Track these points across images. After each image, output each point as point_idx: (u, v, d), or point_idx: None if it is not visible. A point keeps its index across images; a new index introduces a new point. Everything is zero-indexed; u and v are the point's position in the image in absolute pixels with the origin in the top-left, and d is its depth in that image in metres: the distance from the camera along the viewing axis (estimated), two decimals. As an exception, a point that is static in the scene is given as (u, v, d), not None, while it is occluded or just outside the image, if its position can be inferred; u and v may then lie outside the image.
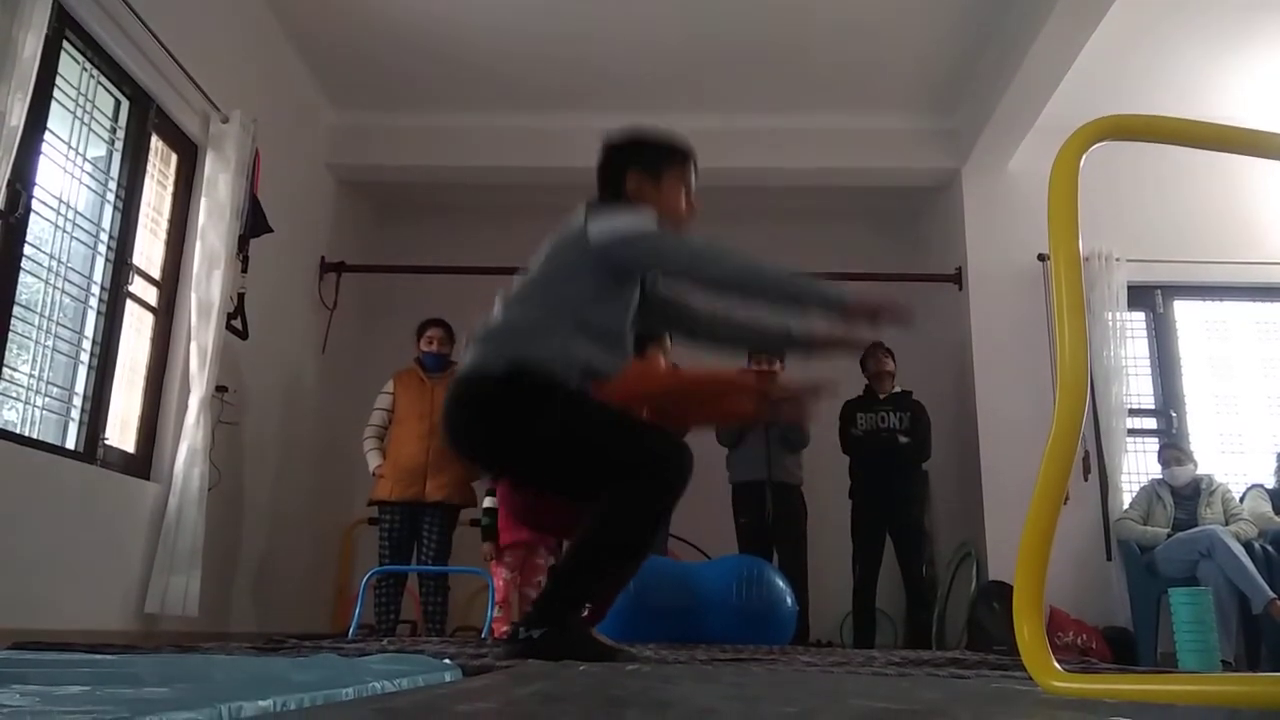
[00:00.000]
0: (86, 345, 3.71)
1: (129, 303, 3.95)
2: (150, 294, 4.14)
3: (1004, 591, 4.79)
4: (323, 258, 5.84)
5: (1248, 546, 4.52)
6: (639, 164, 2.33)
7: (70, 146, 3.59)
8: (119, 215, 3.89)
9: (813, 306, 2.14)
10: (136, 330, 4.07)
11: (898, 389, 5.24)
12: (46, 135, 3.39)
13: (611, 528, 2.04)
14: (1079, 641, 4.74)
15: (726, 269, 2.15)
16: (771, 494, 4.81)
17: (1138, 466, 5.42)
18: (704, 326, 2.52)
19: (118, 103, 3.95)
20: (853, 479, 5.19)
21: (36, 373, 3.45)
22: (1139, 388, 5.58)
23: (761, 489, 4.82)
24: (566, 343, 2.11)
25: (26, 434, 3.37)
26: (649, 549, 2.17)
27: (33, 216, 3.33)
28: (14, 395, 3.35)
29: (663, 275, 2.31)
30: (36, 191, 3.33)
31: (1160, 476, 5.05)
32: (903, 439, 5.08)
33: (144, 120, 4.04)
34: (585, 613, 2.70)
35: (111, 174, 3.88)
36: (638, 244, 2.15)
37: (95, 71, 3.74)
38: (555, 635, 1.99)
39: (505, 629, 3.70)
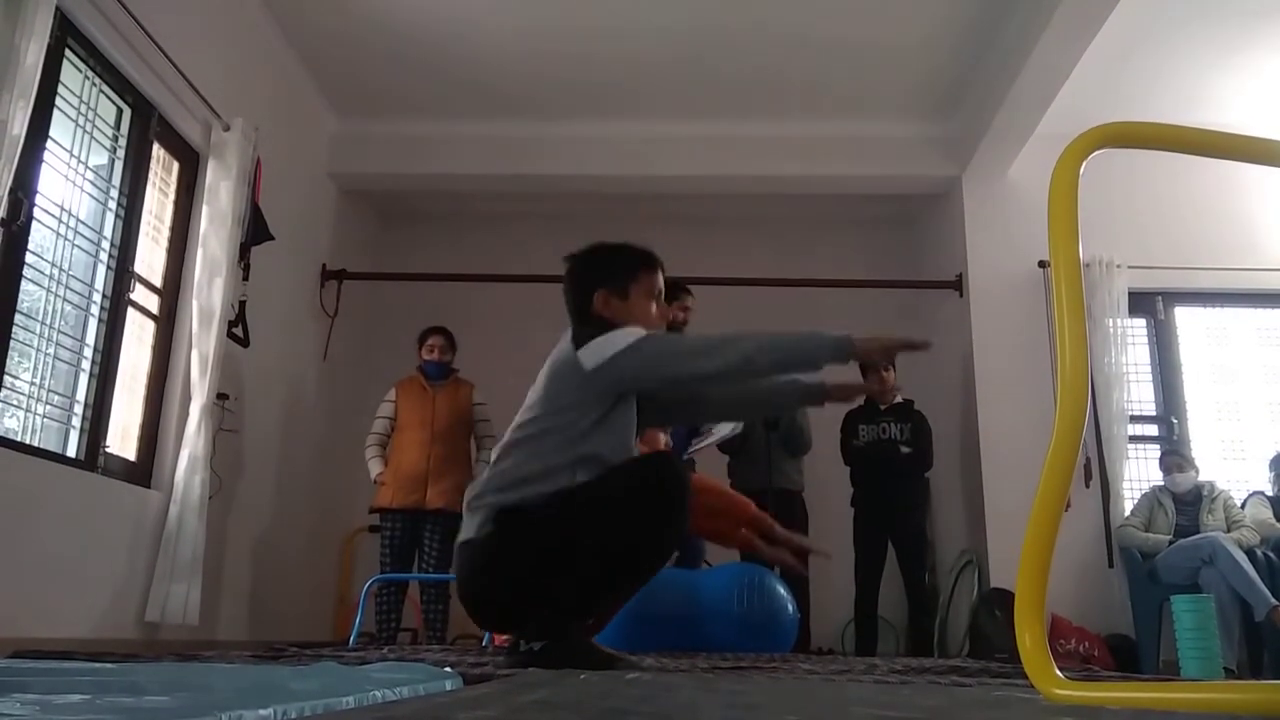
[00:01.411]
0: (88, 353, 3.71)
1: (130, 310, 3.95)
2: (151, 302, 4.14)
3: (1005, 599, 4.78)
4: (324, 265, 5.85)
5: (1250, 553, 4.52)
6: (604, 282, 2.29)
7: (72, 154, 3.59)
8: (120, 223, 3.90)
9: (823, 363, 2.10)
10: (138, 338, 4.07)
11: (899, 399, 5.23)
12: (48, 143, 3.40)
13: (614, 545, 2.04)
14: (1081, 649, 4.73)
15: (725, 361, 2.09)
16: (773, 501, 4.80)
17: (1139, 473, 5.42)
18: (714, 406, 2.53)
19: (119, 111, 3.96)
20: (854, 488, 5.18)
21: (38, 381, 3.45)
22: (1140, 394, 5.57)
23: (763, 496, 4.81)
24: (564, 484, 2.08)
25: (28, 442, 3.37)
26: (655, 565, 2.16)
27: (34, 224, 3.33)
28: (15, 403, 3.35)
29: (664, 384, 2.25)
30: (38, 199, 3.33)
31: (1162, 483, 5.04)
32: (904, 449, 5.07)
33: (146, 128, 4.05)
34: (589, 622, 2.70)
35: (113, 182, 3.89)
36: (633, 359, 2.09)
37: (97, 79, 3.75)
38: (557, 646, 1.99)
39: (505, 639, 3.70)
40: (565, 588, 2.05)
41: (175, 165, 4.34)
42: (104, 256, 3.81)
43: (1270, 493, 4.98)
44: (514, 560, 2.07)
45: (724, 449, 5.02)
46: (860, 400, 5.26)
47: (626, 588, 2.19)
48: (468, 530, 2.16)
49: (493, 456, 2.24)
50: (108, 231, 3.84)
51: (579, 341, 2.15)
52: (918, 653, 4.88)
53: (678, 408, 2.50)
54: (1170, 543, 4.78)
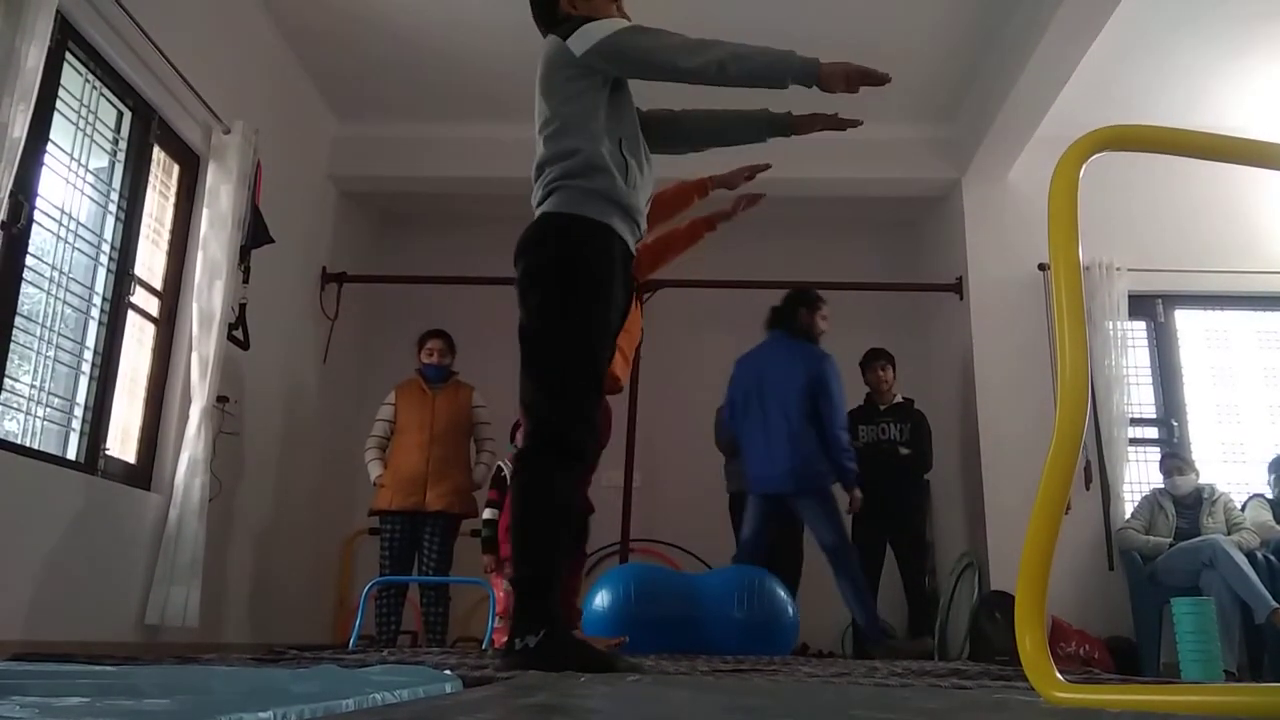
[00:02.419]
0: (88, 356, 3.71)
1: (130, 313, 3.96)
2: (152, 304, 4.15)
3: (1006, 601, 4.78)
4: (324, 268, 5.85)
5: (1250, 556, 4.51)
6: None
7: (72, 157, 3.60)
8: (121, 226, 3.90)
9: (788, 80, 2.26)
10: (138, 341, 4.07)
11: (898, 398, 5.23)
12: (49, 146, 3.40)
13: (528, 504, 2.12)
14: (1081, 652, 4.73)
15: (705, 58, 2.24)
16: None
17: (1139, 476, 5.42)
18: (685, 131, 2.72)
19: (120, 114, 3.96)
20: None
21: (38, 383, 3.45)
22: (1140, 397, 5.57)
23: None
24: (614, 155, 2.26)
25: (28, 445, 3.37)
26: (572, 513, 2.21)
27: (35, 227, 3.33)
28: (15, 406, 3.36)
29: (645, 70, 2.38)
30: (39, 202, 3.34)
31: (1162, 486, 5.04)
32: (903, 450, 5.07)
33: (146, 131, 4.06)
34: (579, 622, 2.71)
35: (113, 185, 3.89)
36: (618, 42, 2.24)
37: (97, 83, 3.76)
38: (553, 638, 1.99)
39: (505, 640, 3.70)
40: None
41: (175, 168, 4.35)
42: (104, 259, 3.81)
43: (1270, 495, 4.98)
44: (550, 261, 2.23)
45: (724, 450, 5.02)
46: (861, 400, 5.26)
47: (560, 541, 2.22)
48: (544, 205, 2.29)
49: (537, 146, 2.35)
50: (108, 234, 3.85)
51: (566, 34, 2.27)
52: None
53: (656, 127, 2.63)
54: (1170, 545, 4.78)
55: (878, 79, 2.29)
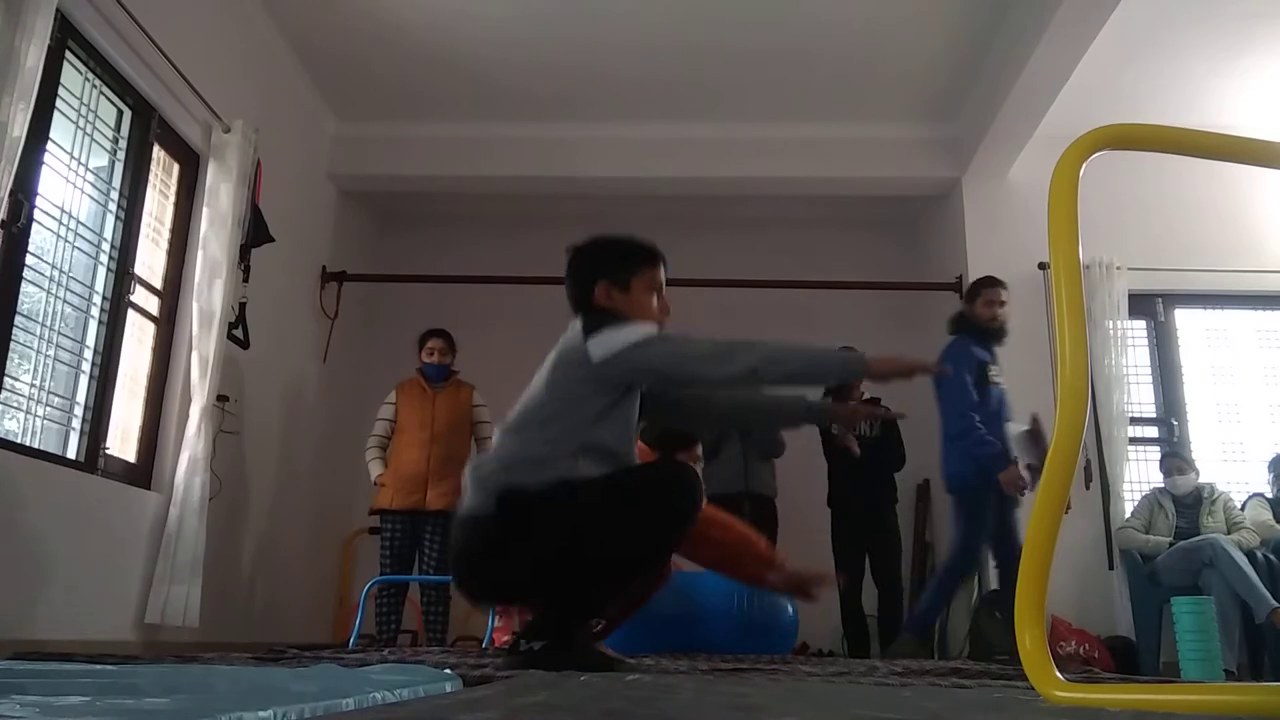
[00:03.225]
0: (88, 355, 3.71)
1: (130, 312, 3.95)
2: (152, 303, 4.15)
3: (1006, 600, 4.77)
4: (324, 267, 5.85)
5: (1250, 555, 4.51)
6: (606, 274, 2.28)
7: (72, 156, 3.59)
8: (121, 225, 3.90)
9: (832, 382, 2.15)
10: (138, 340, 4.07)
11: (865, 394, 5.21)
12: (49, 145, 3.40)
13: (613, 545, 2.04)
14: (1081, 651, 4.73)
15: (735, 368, 2.07)
16: (749, 506, 4.81)
17: (1139, 475, 5.42)
18: (715, 417, 2.59)
19: (120, 113, 3.96)
20: (830, 486, 5.17)
21: (38, 382, 3.45)
22: (1140, 396, 5.57)
23: (739, 501, 4.82)
24: (567, 473, 2.07)
25: (28, 444, 3.37)
26: (657, 566, 2.16)
27: (35, 226, 3.33)
28: (15, 405, 3.35)
29: (670, 383, 2.27)
30: (39, 201, 3.34)
31: (1162, 485, 5.04)
32: (869, 435, 5.05)
33: (146, 130, 4.06)
34: (599, 626, 2.69)
35: (113, 184, 3.89)
36: (642, 355, 2.10)
37: (97, 81, 3.75)
38: (557, 647, 1.99)
39: (506, 639, 3.70)
40: (558, 575, 2.06)
41: (175, 167, 4.34)
42: (104, 258, 3.81)
43: (1270, 494, 4.97)
44: (513, 541, 2.07)
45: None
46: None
47: (617, 586, 2.18)
48: (470, 504, 2.15)
49: (494, 435, 2.24)
50: (108, 233, 3.84)
51: (588, 331, 2.14)
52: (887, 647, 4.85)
53: (681, 410, 2.50)
54: (1170, 545, 4.78)
55: (931, 370, 2.20)
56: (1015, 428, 4.20)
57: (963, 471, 4.16)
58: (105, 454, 3.75)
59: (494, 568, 2.11)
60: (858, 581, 4.97)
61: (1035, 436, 4.15)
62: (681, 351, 2.12)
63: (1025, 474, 4.04)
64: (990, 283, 4.48)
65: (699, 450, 3.61)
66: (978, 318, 4.41)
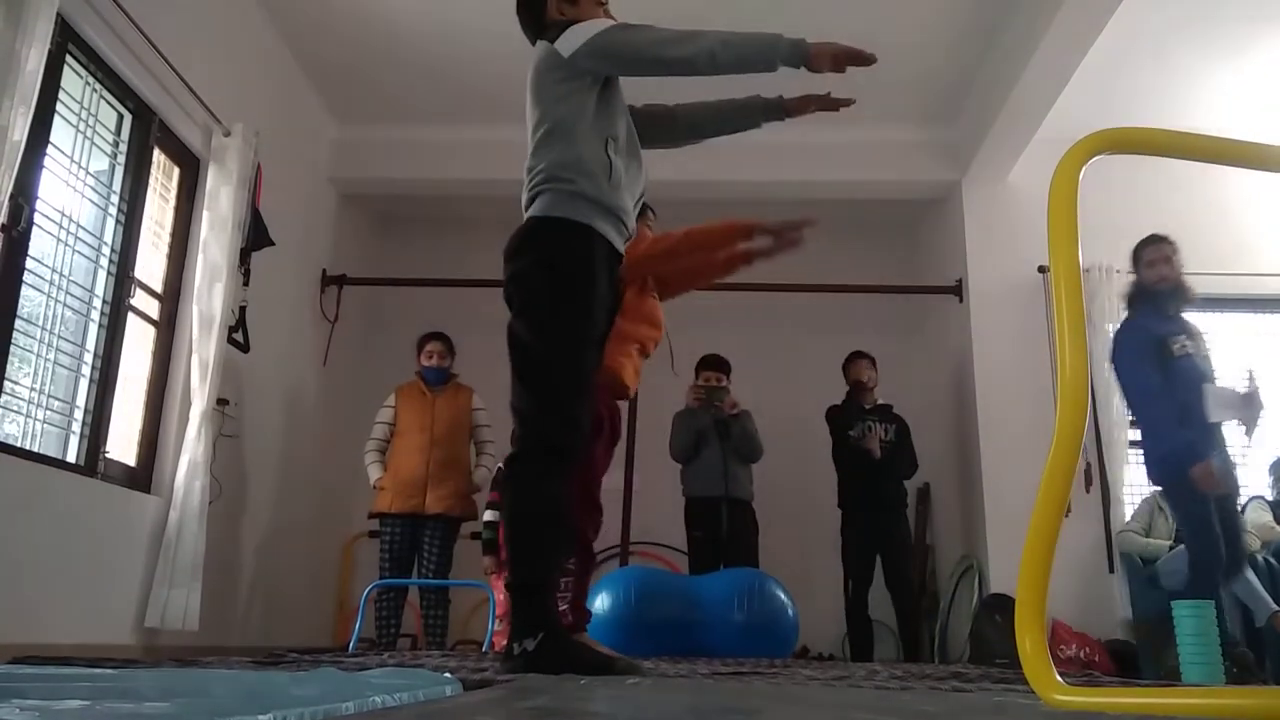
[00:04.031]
0: (88, 358, 3.71)
1: (130, 316, 3.96)
2: (152, 307, 4.15)
3: (1006, 604, 4.77)
4: (324, 270, 5.85)
5: (1250, 559, 4.50)
6: None
7: (73, 160, 3.60)
8: (121, 229, 3.90)
9: (778, 63, 2.24)
10: (138, 343, 4.07)
11: (879, 400, 5.23)
12: (49, 149, 3.40)
13: (519, 508, 2.13)
14: (1081, 654, 4.73)
15: (693, 48, 2.21)
16: (727, 510, 4.81)
17: (1139, 478, 5.40)
18: (682, 124, 2.72)
19: (120, 116, 3.96)
20: (840, 489, 5.17)
21: (38, 386, 3.45)
22: (1140, 399, 5.56)
23: (718, 504, 4.83)
24: (599, 156, 2.28)
25: (27, 447, 3.37)
26: (563, 515, 2.18)
27: (35, 230, 3.33)
28: (15, 409, 3.35)
29: (635, 65, 2.37)
30: (39, 205, 3.34)
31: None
32: (884, 440, 5.06)
33: (146, 134, 4.06)
34: (567, 615, 2.72)
35: (114, 187, 3.90)
36: (605, 40, 2.24)
37: (98, 85, 3.76)
38: (551, 642, 1.99)
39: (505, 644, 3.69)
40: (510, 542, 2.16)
41: (176, 171, 4.35)
42: (104, 262, 3.81)
43: (1270, 498, 4.97)
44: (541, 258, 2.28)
45: (679, 458, 5.02)
46: (840, 398, 5.25)
47: (555, 527, 2.20)
48: (529, 209, 2.36)
49: (526, 163, 2.42)
50: (108, 237, 3.85)
51: (552, 38, 2.30)
52: (916, 658, 4.87)
53: (650, 122, 2.64)
54: (1170, 548, 4.77)
55: (864, 59, 2.30)
56: (1222, 390, 3.77)
57: (1156, 470, 3.87)
58: (105, 458, 3.75)
59: (527, 267, 2.28)
60: (865, 585, 4.96)
61: (1250, 398, 3.69)
62: (643, 35, 2.25)
63: (1220, 465, 3.61)
64: (1148, 242, 4.15)
65: (651, 217, 3.63)
66: (1145, 283, 4.12)
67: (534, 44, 2.44)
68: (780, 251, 3.04)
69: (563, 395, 2.17)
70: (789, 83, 2.46)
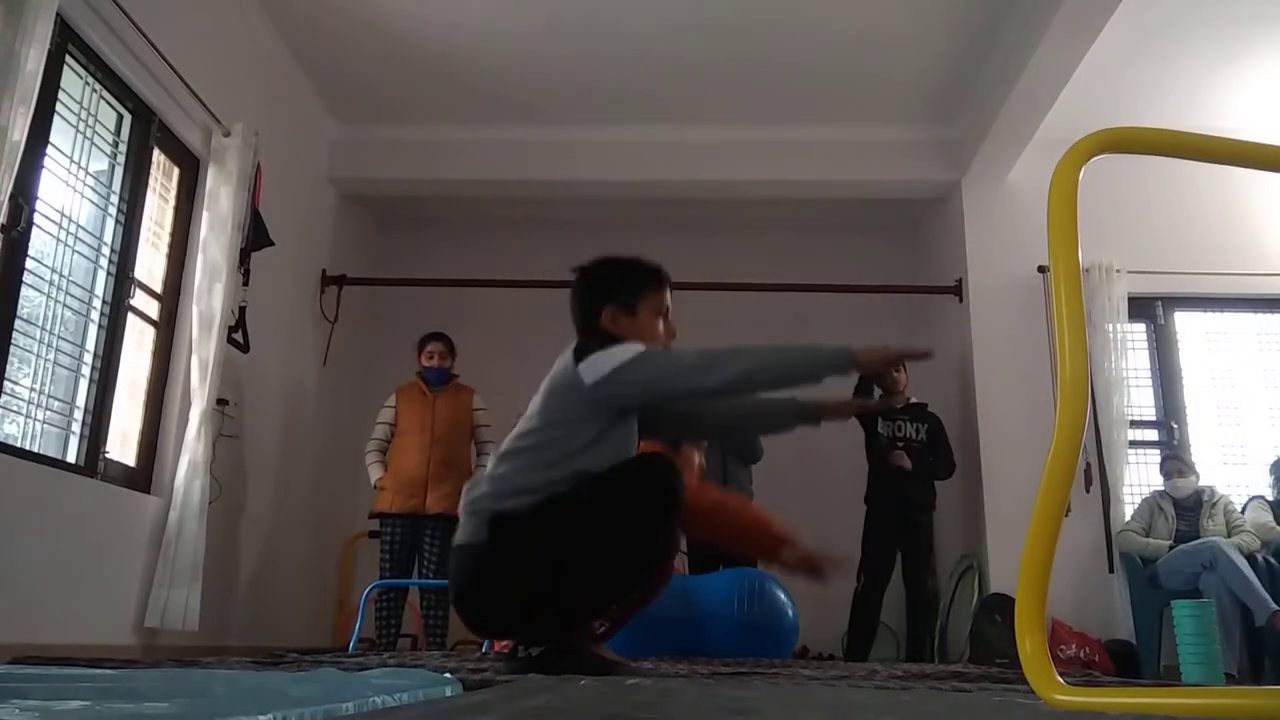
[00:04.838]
0: (88, 359, 3.71)
1: (130, 316, 3.95)
2: (151, 307, 4.14)
3: (1006, 604, 4.77)
4: (324, 271, 5.85)
5: (1250, 558, 4.51)
6: (612, 298, 2.25)
7: (72, 160, 3.59)
8: (120, 229, 3.90)
9: (823, 378, 2.08)
10: (138, 344, 4.07)
11: (911, 399, 5.19)
12: (49, 149, 3.40)
13: (604, 545, 2.03)
14: (1081, 654, 4.73)
15: (725, 375, 2.05)
16: None
17: (1139, 478, 5.41)
18: (708, 425, 2.54)
19: (120, 116, 3.96)
20: (870, 484, 5.13)
21: (37, 386, 3.45)
22: (1140, 399, 5.57)
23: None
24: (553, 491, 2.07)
25: (27, 448, 3.36)
26: (648, 566, 2.15)
27: (35, 230, 3.33)
28: (15, 409, 3.35)
29: (663, 399, 2.24)
30: (39, 205, 3.33)
31: (1162, 488, 5.04)
32: (917, 445, 5.02)
33: (146, 134, 4.06)
34: (601, 629, 2.68)
35: (113, 187, 3.89)
36: (633, 374, 2.07)
37: (98, 85, 3.76)
38: (556, 651, 1.99)
39: (505, 644, 3.68)
40: (558, 591, 2.05)
41: (175, 171, 4.35)
42: (104, 262, 3.81)
43: (1270, 497, 4.97)
44: (508, 567, 2.06)
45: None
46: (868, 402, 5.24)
47: (620, 588, 2.17)
48: (463, 534, 2.15)
49: (488, 464, 2.23)
50: (108, 237, 3.84)
51: (580, 356, 2.12)
52: (917, 658, 4.86)
53: (674, 422, 2.48)
54: (1170, 548, 4.77)
55: (919, 355, 2.21)
56: None
57: None
58: (105, 458, 3.75)
59: (491, 597, 2.11)
60: (882, 582, 4.94)
61: None
62: (672, 365, 2.10)
63: None
64: None
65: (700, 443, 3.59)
66: None
67: (577, 332, 2.28)
68: (800, 574, 2.84)
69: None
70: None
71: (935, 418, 5.16)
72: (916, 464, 4.97)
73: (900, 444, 5.02)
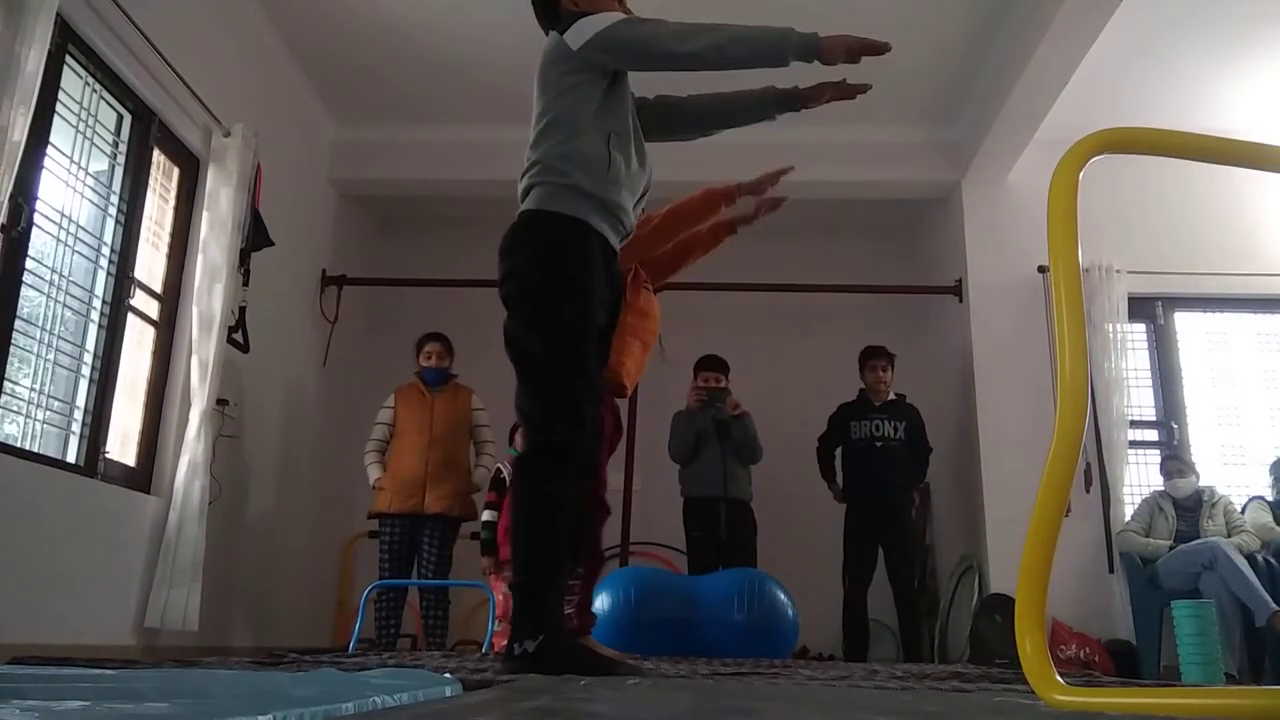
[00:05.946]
0: (88, 359, 3.71)
1: (130, 316, 3.96)
2: (151, 307, 4.15)
3: (1006, 604, 4.77)
4: (324, 271, 5.85)
5: (1250, 558, 4.51)
6: None
7: (72, 160, 3.60)
8: (121, 229, 3.90)
9: (789, 57, 2.21)
10: (138, 344, 4.07)
11: (891, 395, 5.21)
12: (49, 149, 3.40)
13: (525, 509, 2.12)
14: (1081, 654, 4.73)
15: (700, 44, 2.18)
16: (726, 510, 4.81)
17: (1139, 478, 5.41)
18: (692, 116, 2.65)
19: (120, 117, 3.96)
20: (846, 484, 5.17)
21: (38, 386, 3.45)
22: (1140, 399, 5.57)
23: (716, 505, 4.82)
24: (598, 150, 2.25)
25: (27, 448, 3.37)
26: (570, 516, 2.16)
27: (35, 230, 3.33)
28: (15, 409, 3.35)
29: (644, 60, 2.34)
30: (39, 205, 3.34)
31: (1162, 488, 5.04)
32: (892, 439, 5.05)
33: (146, 134, 4.06)
34: (572, 619, 2.70)
35: (113, 188, 3.89)
36: (614, 35, 2.23)
37: (98, 86, 3.76)
38: (552, 643, 1.99)
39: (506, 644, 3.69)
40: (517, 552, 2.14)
41: (175, 171, 4.35)
42: (104, 262, 3.81)
43: (1270, 497, 4.97)
44: (536, 254, 2.24)
45: (678, 459, 5.02)
46: (854, 396, 5.25)
47: (559, 537, 2.18)
48: (530, 203, 2.30)
49: (525, 155, 2.38)
50: (108, 237, 3.85)
51: (562, 29, 2.28)
52: (916, 658, 4.86)
53: (664, 115, 2.60)
54: (1170, 548, 4.77)
55: (878, 49, 2.29)
56: None
57: None
58: (105, 458, 3.75)
59: (523, 264, 2.24)
60: (864, 581, 4.95)
61: None
62: (653, 29, 2.23)
63: None
64: None
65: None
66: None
67: (547, 34, 2.42)
68: (763, 213, 3.02)
69: (566, 395, 2.15)
70: (801, 77, 2.42)
71: (914, 410, 5.18)
72: (891, 457, 4.99)
73: (879, 443, 5.04)
